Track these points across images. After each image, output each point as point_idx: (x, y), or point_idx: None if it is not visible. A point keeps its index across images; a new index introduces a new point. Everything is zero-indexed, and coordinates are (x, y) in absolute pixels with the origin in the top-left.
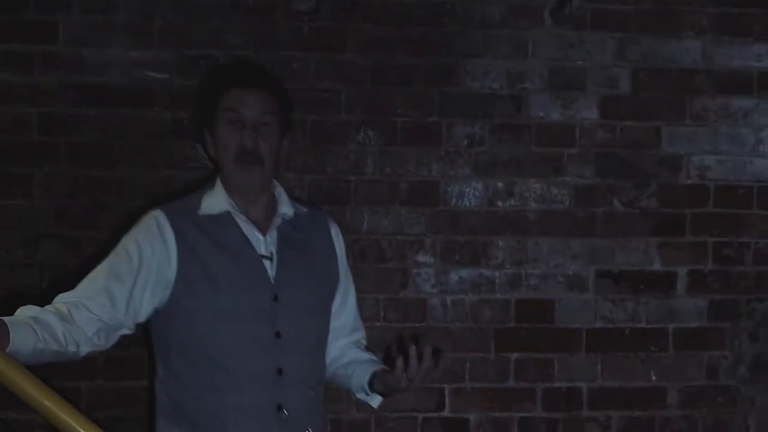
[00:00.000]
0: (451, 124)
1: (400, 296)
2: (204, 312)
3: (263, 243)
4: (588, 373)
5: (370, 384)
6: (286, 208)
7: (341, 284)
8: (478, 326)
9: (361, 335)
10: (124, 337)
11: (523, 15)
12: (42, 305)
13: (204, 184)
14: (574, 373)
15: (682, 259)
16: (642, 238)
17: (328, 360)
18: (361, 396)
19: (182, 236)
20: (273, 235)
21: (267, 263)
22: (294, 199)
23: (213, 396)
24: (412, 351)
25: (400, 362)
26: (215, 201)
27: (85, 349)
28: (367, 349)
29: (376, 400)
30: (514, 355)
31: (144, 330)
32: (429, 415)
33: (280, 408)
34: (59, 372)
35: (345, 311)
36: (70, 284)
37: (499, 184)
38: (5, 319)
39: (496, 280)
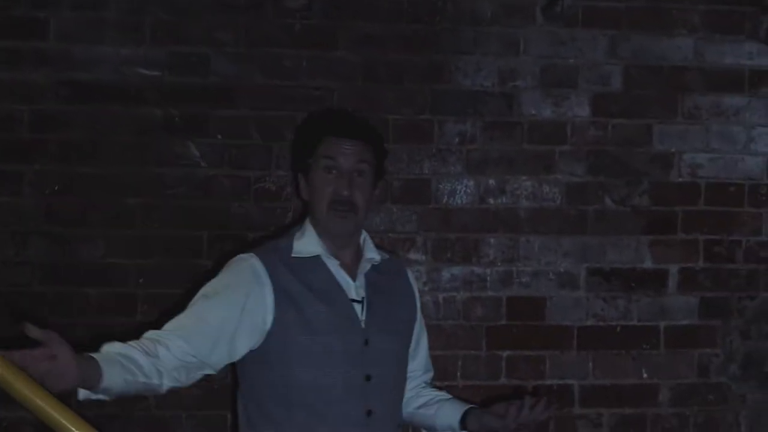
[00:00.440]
0: (442, 122)
1: None
2: (298, 355)
3: (353, 287)
4: (579, 371)
5: (462, 423)
6: (372, 254)
7: (417, 327)
8: (469, 324)
9: (431, 375)
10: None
11: (515, 12)
12: (32, 303)
13: (292, 227)
14: (565, 371)
15: (674, 257)
16: (633, 235)
17: (404, 401)
18: None
19: (277, 281)
20: (361, 279)
21: (357, 307)
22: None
23: None
24: (527, 401)
25: (513, 410)
26: (307, 244)
27: (167, 383)
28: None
29: None
30: (506, 353)
31: (230, 368)
32: None
33: None
34: None
35: (419, 353)
36: (61, 281)
37: (491, 182)
38: (95, 356)
39: (488, 278)
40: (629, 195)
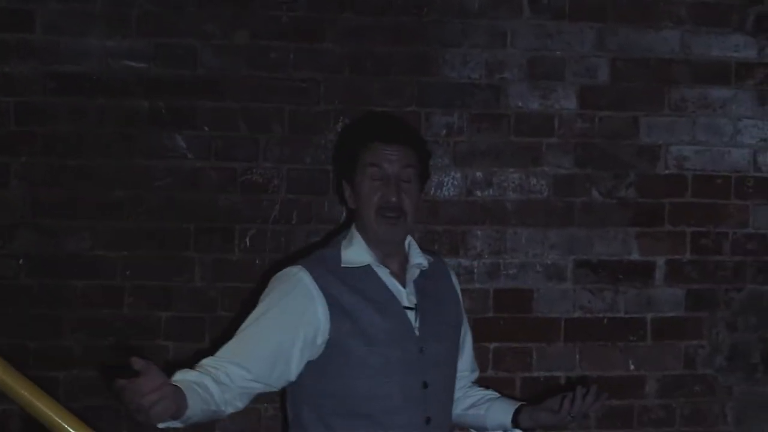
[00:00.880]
0: (429, 114)
1: None
2: (356, 366)
3: (405, 295)
4: (566, 363)
5: (515, 421)
6: (420, 259)
7: (463, 328)
8: None
9: (477, 375)
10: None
11: (502, 5)
12: (19, 295)
13: (338, 235)
14: (552, 363)
15: (660, 249)
16: (620, 227)
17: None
18: None
19: (329, 293)
20: (411, 286)
21: (411, 315)
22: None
23: None
24: (579, 391)
25: (566, 403)
26: (356, 253)
27: (230, 410)
28: None
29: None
30: (493, 345)
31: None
32: None
33: None
34: (36, 362)
35: (465, 353)
36: (47, 273)
37: (478, 174)
38: (178, 384)
39: (475, 270)
40: (616, 187)
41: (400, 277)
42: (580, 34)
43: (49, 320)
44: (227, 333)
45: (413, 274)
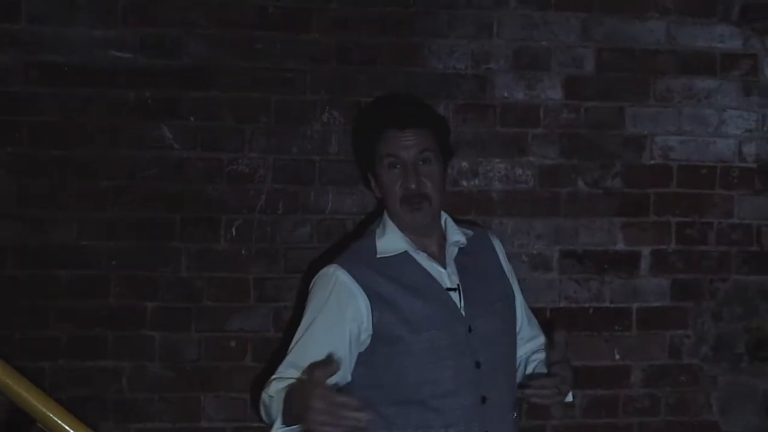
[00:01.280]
0: None
1: None
2: (404, 355)
3: (446, 276)
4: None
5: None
6: (457, 236)
7: (516, 298)
8: None
9: (540, 342)
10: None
11: None
12: (5, 286)
13: (371, 225)
14: None
15: (646, 239)
16: (606, 218)
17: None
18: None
19: (368, 287)
20: (452, 265)
21: (454, 295)
22: (456, 222)
23: None
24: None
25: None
26: (390, 242)
27: None
28: None
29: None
30: None
31: None
32: None
33: None
34: (22, 352)
35: (525, 320)
36: (33, 264)
37: (464, 164)
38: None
39: None
40: (602, 177)
41: (440, 257)
42: (566, 24)
43: (35, 310)
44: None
45: (452, 252)
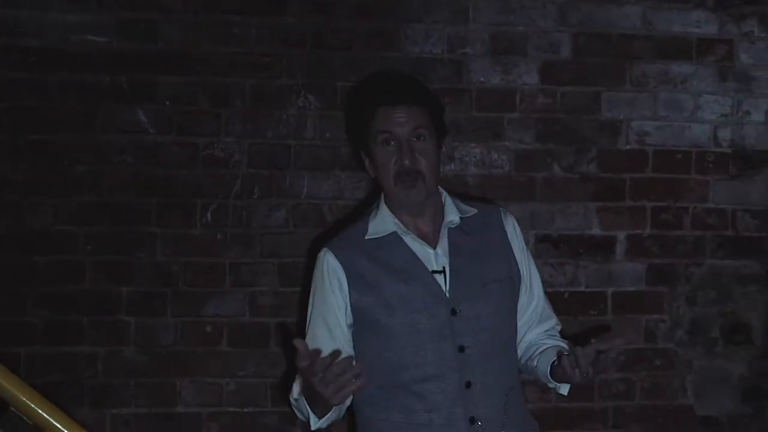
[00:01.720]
0: None
1: None
2: (384, 338)
3: (434, 257)
4: None
5: (553, 375)
6: (451, 216)
7: (524, 280)
8: None
9: (551, 324)
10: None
11: None
12: None
13: (371, 206)
14: None
15: (621, 224)
16: (581, 202)
17: (519, 355)
18: (552, 386)
19: (351, 268)
20: (444, 246)
21: (440, 278)
22: (465, 200)
23: (406, 416)
24: (579, 351)
25: (566, 362)
26: (380, 223)
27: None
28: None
29: (564, 388)
30: None
31: None
32: None
33: (473, 420)
34: None
35: (531, 305)
36: (9, 249)
37: None
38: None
39: None
40: (577, 162)
41: (432, 238)
42: (543, 9)
43: (11, 296)
44: (189, 307)
45: (445, 233)
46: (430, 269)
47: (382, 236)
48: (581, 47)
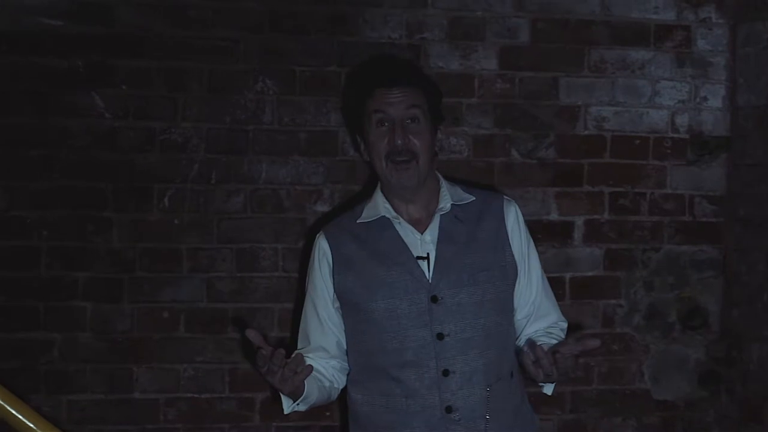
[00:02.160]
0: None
1: (299, 246)
2: (364, 322)
3: (420, 243)
4: None
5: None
6: (443, 202)
7: (521, 271)
8: None
9: (552, 320)
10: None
11: None
12: None
13: (371, 191)
14: None
15: (579, 209)
16: (540, 188)
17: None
18: (541, 384)
19: (339, 251)
20: (433, 233)
21: (424, 264)
22: (470, 188)
23: (386, 400)
24: (540, 352)
25: (524, 360)
26: (373, 207)
27: (336, 385)
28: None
29: (548, 388)
30: None
31: None
32: None
33: (450, 410)
34: None
35: (531, 298)
36: None
37: None
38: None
39: None
40: (536, 147)
41: (423, 223)
42: None
43: None
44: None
45: (437, 219)
46: (416, 255)
47: (373, 220)
48: (539, 33)
